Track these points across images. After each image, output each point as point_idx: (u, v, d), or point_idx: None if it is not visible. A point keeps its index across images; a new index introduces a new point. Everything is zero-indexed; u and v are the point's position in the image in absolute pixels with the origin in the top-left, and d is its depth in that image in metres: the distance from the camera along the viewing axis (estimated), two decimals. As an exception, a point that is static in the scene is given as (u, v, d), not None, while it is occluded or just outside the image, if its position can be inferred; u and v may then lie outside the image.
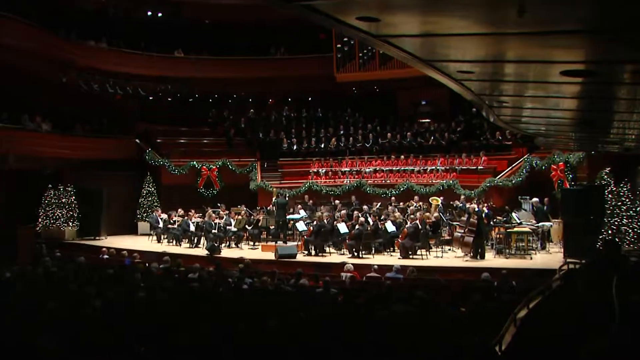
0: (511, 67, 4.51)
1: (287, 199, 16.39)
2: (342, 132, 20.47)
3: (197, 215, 16.22)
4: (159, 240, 16.47)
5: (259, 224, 15.43)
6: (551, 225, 13.28)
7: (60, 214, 16.58)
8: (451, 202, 15.29)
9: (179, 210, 16.63)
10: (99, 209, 17.40)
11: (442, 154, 18.15)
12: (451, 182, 16.44)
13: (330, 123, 21.23)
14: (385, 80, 20.10)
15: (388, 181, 17.86)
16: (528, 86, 5.26)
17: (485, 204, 13.97)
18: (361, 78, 20.42)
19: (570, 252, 11.23)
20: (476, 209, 12.69)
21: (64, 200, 16.69)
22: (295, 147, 20.21)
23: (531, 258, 12.19)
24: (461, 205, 14.58)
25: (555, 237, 13.47)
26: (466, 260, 12.25)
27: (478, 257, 12.26)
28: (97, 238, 17.11)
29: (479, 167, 17.00)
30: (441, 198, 15.36)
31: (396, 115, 21.21)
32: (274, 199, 16.21)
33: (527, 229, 12.61)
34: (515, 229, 12.60)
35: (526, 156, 16.16)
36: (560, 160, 14.69)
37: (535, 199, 13.60)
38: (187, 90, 21.01)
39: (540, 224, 13.00)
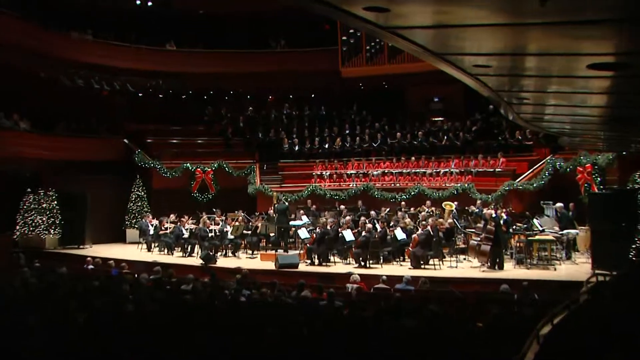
0: (532, 61, 4.51)
1: (288, 204, 16.37)
2: (347, 131, 20.53)
3: (191, 221, 16.27)
4: (149, 249, 16.50)
5: (258, 231, 15.45)
6: (577, 233, 13.28)
7: (40, 221, 16.61)
8: (466, 208, 15.30)
9: (171, 216, 16.66)
10: (83, 215, 17.46)
11: (457, 155, 18.18)
12: (466, 185, 16.48)
13: (335, 122, 21.28)
14: (394, 75, 20.16)
15: (397, 185, 17.93)
16: (551, 81, 5.26)
17: (504, 210, 13.96)
18: (368, 73, 20.47)
19: (598, 263, 11.21)
20: (494, 215, 12.68)
21: (44, 205, 16.73)
22: (296, 148, 20.27)
23: (555, 269, 12.13)
24: (477, 210, 14.57)
25: (582, 246, 13.48)
26: (483, 271, 12.24)
27: (496, 267, 12.24)
28: (81, 247, 17.16)
29: (497, 170, 17.01)
30: (455, 203, 15.34)
31: (406, 113, 21.25)
32: (274, 204, 16.25)
33: (550, 237, 12.58)
34: (537, 237, 12.56)
35: (549, 157, 16.20)
36: (587, 161, 14.70)
37: (559, 204, 13.65)
38: (180, 86, 21.13)
39: (565, 231, 12.97)
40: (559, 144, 15.38)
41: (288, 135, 20.82)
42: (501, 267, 12.28)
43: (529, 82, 5.47)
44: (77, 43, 19.18)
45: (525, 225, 13.20)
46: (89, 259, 13.29)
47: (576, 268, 12.23)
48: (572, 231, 13.13)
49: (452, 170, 17.63)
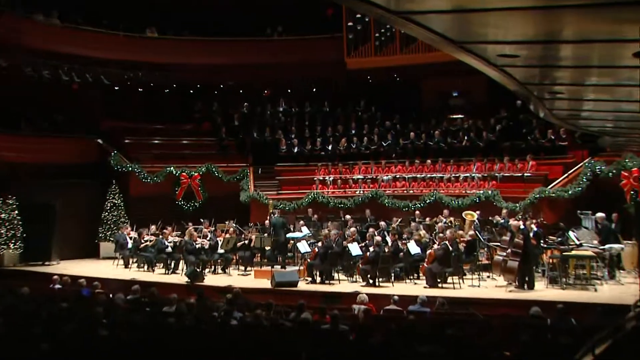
0: (568, 49, 4.51)
1: (286, 214, 16.38)
2: (354, 131, 20.55)
3: (175, 233, 16.29)
4: (126, 265, 16.52)
5: (252, 245, 15.47)
6: (622, 248, 13.19)
7: (-2, 234, 16.59)
8: (490, 218, 15.31)
9: (152, 227, 16.67)
10: (50, 227, 17.44)
11: (479, 157, 18.22)
12: (490, 192, 16.55)
13: (340, 120, 21.28)
14: (407, 67, 20.18)
15: (411, 191, 17.98)
16: (591, 72, 5.26)
17: (534, 221, 13.92)
18: (378, 64, 20.50)
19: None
20: (522, 227, 12.66)
21: (3, 216, 16.62)
22: (296, 150, 20.32)
23: (595, 290, 12.07)
24: (503, 221, 14.56)
25: (628, 264, 13.40)
26: (510, 291, 12.22)
27: (525, 286, 12.21)
28: (46, 263, 17.13)
29: (526, 174, 17.02)
30: (477, 212, 15.37)
31: (421, 110, 21.24)
32: (270, 213, 16.29)
33: (589, 253, 12.53)
34: (574, 253, 12.52)
35: (587, 160, 16.20)
36: (633, 165, 14.70)
37: (599, 215, 13.63)
38: (163, 78, 21.16)
39: (607, 246, 12.89)
40: (599, 144, 15.39)
41: (286, 135, 20.85)
42: (531, 287, 12.23)
43: (564, 74, 5.47)
44: (42, 28, 18.88)
45: (559, 239, 13.19)
46: (55, 277, 13.16)
47: (621, 289, 12.11)
48: (616, 246, 13.04)
49: (473, 175, 17.66)
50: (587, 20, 3.64)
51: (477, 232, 14.05)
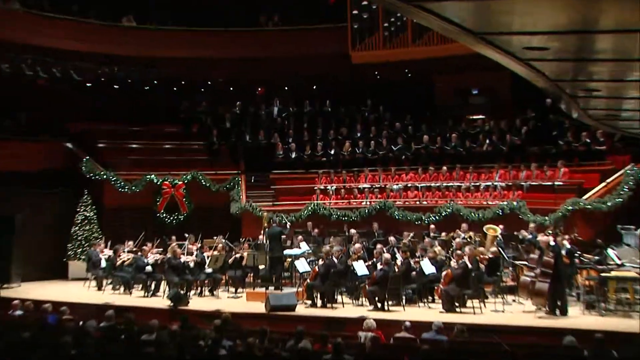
0: (606, 40, 4.50)
1: (286, 227, 16.27)
2: (359, 133, 20.56)
3: (156, 250, 16.27)
4: (99, 287, 16.42)
5: (243, 263, 15.44)
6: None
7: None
8: (515, 233, 15.12)
9: (130, 243, 16.64)
10: (9, 244, 17.33)
11: (502, 163, 18.23)
12: (515, 204, 16.49)
13: (343, 121, 21.27)
14: (420, 61, 20.14)
15: (424, 202, 18.01)
16: (632, 66, 5.25)
17: (567, 236, 13.88)
18: (387, 58, 20.52)
19: None
20: (552, 243, 12.60)
21: (-47, 231, 16.72)
22: (294, 155, 20.36)
23: (640, 317, 12.01)
24: (530, 237, 14.43)
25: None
26: (539, 317, 12.13)
27: (557, 312, 12.12)
28: (5, 286, 16.92)
29: (557, 183, 16.98)
30: (501, 227, 15.25)
31: (436, 110, 21.24)
32: (264, 227, 16.02)
33: (632, 274, 12.39)
34: (614, 274, 12.40)
35: (629, 167, 16.21)
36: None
37: (644, 229, 13.63)
38: (142, 74, 21.22)
39: (654, 266, 12.84)
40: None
41: (282, 139, 20.87)
42: (564, 313, 12.07)
43: (601, 69, 5.47)
44: (1, 14, 18.78)
45: (596, 258, 13.14)
46: (16, 302, 12.96)
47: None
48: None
49: (496, 183, 17.62)
50: (628, 6, 3.63)
51: (500, 249, 13.97)
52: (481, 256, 13.47)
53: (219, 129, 21.59)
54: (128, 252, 16.33)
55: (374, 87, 21.96)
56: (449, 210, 17.10)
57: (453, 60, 18.38)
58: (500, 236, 14.96)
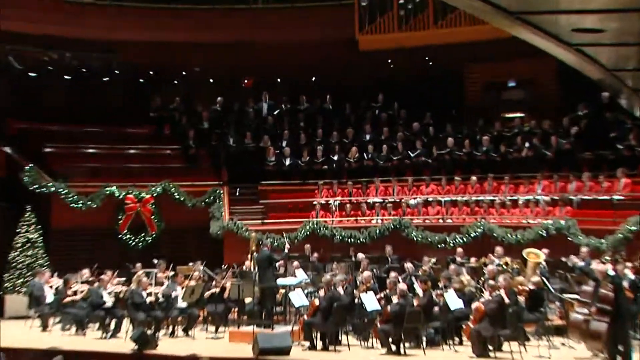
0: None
1: (284, 251, 16.16)
2: (368, 135, 20.56)
3: (117, 280, 16.09)
4: (45, 327, 16.09)
5: (226, 295, 15.36)
6: None
7: None
8: (563, 259, 15.04)
9: (84, 272, 16.43)
10: None
11: (546, 173, 18.16)
12: (563, 222, 16.49)
13: (350, 120, 21.26)
14: (444, 47, 20.19)
15: (449, 221, 18.04)
16: None
17: (629, 264, 13.75)
18: (402, 43, 20.48)
19: None
20: (611, 273, 12.53)
21: None
22: (288, 162, 20.33)
23: None
24: (582, 264, 14.29)
25: None
26: (596, 366, 12.03)
27: (619, 359, 12.08)
28: None
29: (616, 197, 16.87)
30: (545, 251, 15.17)
31: (463, 107, 21.21)
32: (252, 251, 15.96)
33: None
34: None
35: None
36: None
37: None
38: (100, 62, 21.08)
39: None
40: None
41: (274, 142, 20.86)
42: (628, 360, 12.09)
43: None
44: None
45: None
46: None
47: None
48: None
49: (538, 197, 17.61)
50: None
51: (544, 278, 13.82)
52: (520, 288, 13.24)
53: (197, 130, 21.57)
54: (82, 283, 16.10)
55: (387, 78, 21.93)
56: (479, 230, 17.10)
57: (485, 45, 18.44)
58: (544, 263, 14.90)
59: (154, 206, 19.49)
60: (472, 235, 17.12)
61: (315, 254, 17.17)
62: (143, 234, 19.44)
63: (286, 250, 15.80)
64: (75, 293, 15.73)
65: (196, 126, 21.80)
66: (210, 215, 19.18)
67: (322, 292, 13.98)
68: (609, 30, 4.75)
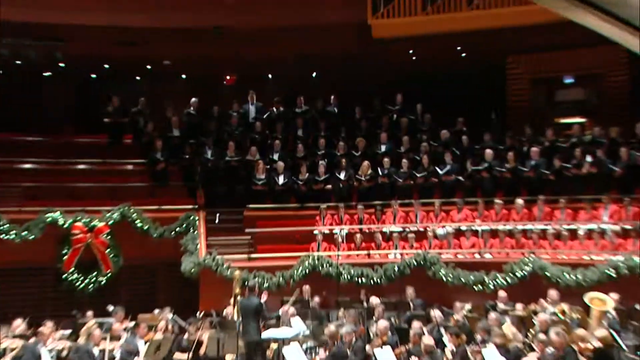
0: None
1: (263, 295, 16.02)
2: (384, 146, 20.60)
3: (61, 333, 15.87)
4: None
5: (202, 351, 15.05)
6: None
7: None
8: (638, 307, 15.01)
9: (18, 323, 16.21)
10: None
11: (614, 195, 18.17)
12: (637, 260, 16.40)
13: (359, 127, 21.35)
14: (480, 34, 20.09)
15: (488, 256, 17.99)
16: None
17: None
18: (427, 29, 20.32)
19: None
20: None
21: None
22: (281, 181, 20.22)
23: None
24: (663, 313, 14.28)
25: None
26: None
27: None
28: None
29: None
30: (614, 297, 15.02)
31: (506, 110, 21.38)
32: (235, 294, 16.06)
33: None
34: None
35: None
36: None
37: None
38: (38, 52, 21.01)
39: None
40: None
41: (264, 155, 20.81)
42: None
43: None
44: None
45: None
46: None
47: None
48: None
49: (605, 226, 17.54)
50: None
51: (613, 332, 13.64)
52: (582, 344, 13.04)
53: (165, 140, 21.44)
54: (14, 337, 15.86)
55: (408, 74, 22.07)
56: (527, 268, 16.95)
57: (533, 31, 18.45)
58: (612, 312, 14.68)
59: (109, 237, 19.22)
60: (518, 274, 16.95)
61: (317, 298, 17.07)
62: (95, 274, 19.17)
63: (262, 301, 15.27)
64: (4, 352, 15.54)
65: (165, 135, 21.68)
66: (183, 248, 18.91)
67: (325, 348, 13.97)
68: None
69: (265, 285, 17.63)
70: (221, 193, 20.55)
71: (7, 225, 18.82)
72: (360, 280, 17.73)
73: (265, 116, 22.13)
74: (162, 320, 15.65)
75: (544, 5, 4.75)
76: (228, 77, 22.94)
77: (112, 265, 19.18)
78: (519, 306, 15.61)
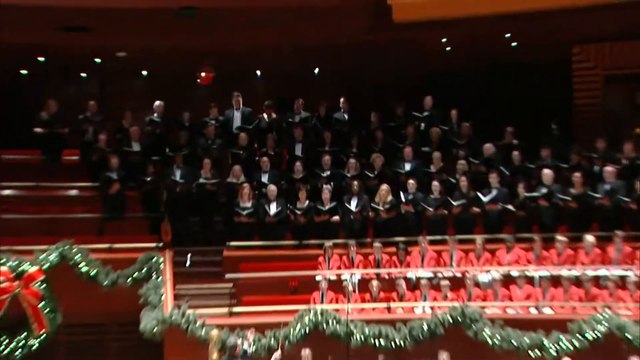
0: None
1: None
2: (408, 165, 20.27)
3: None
4: None
5: None
6: None
7: None
8: None
9: None
10: None
11: None
12: None
13: (376, 139, 21.08)
14: (536, 17, 19.64)
15: (546, 310, 17.79)
16: None
17: None
18: (463, 11, 19.90)
19: None
20: None
21: None
22: (273, 211, 19.80)
23: None
24: None
25: None
26: None
27: None
28: None
29: None
30: None
31: (571, 117, 21.28)
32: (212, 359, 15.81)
33: None
34: None
35: None
36: None
37: None
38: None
39: None
40: None
41: (250, 177, 20.55)
42: None
43: None
44: None
45: None
46: None
47: None
48: None
49: None
50: None
51: None
52: None
53: (122, 156, 21.03)
54: None
55: (439, 70, 22.13)
56: (602, 327, 16.31)
57: (607, 13, 18.03)
58: None
59: (43, 286, 18.64)
60: (588, 336, 16.34)
61: (321, 370, 16.46)
62: (24, 335, 18.60)
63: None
64: None
65: (120, 149, 21.35)
66: (142, 300, 18.40)
67: None
68: None
69: (252, 349, 16.81)
70: (193, 227, 20.40)
71: None
72: (377, 342, 17.20)
73: (252, 125, 21.89)
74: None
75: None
76: (203, 75, 22.78)
77: (48, 323, 18.60)
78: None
